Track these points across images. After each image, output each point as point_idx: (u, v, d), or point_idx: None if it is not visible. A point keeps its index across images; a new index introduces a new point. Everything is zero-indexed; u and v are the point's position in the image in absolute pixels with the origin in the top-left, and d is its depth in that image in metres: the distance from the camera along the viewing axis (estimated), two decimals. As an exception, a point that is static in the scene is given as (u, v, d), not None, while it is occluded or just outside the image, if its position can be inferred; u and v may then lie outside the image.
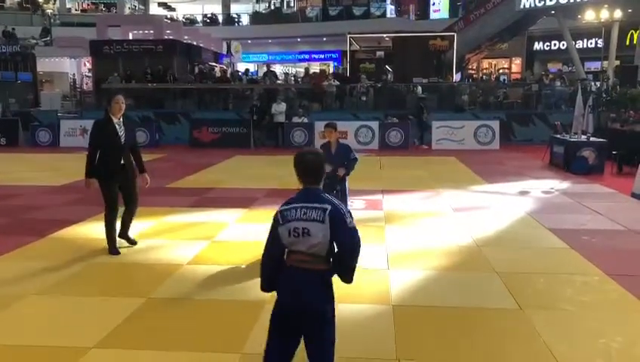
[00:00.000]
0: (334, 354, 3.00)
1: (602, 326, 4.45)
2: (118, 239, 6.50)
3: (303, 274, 2.91)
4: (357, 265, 3.00)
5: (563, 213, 8.50)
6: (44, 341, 4.23)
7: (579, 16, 21.58)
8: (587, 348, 4.12)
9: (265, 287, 3.13)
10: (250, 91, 21.42)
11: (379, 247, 6.62)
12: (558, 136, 14.07)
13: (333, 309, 3.00)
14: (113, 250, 6.38)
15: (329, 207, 2.90)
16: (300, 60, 35.14)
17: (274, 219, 2.99)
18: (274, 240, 2.99)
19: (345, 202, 7.61)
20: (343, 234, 2.89)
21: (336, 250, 2.97)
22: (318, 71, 25.60)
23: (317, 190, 3.01)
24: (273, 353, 2.99)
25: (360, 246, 2.95)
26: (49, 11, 37.02)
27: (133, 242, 6.65)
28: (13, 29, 31.24)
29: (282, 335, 2.96)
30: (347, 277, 3.02)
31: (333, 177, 7.38)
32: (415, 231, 7.49)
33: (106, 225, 6.39)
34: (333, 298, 3.00)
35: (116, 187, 6.31)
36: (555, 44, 28.88)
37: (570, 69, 24.40)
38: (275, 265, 3.01)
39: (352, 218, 2.96)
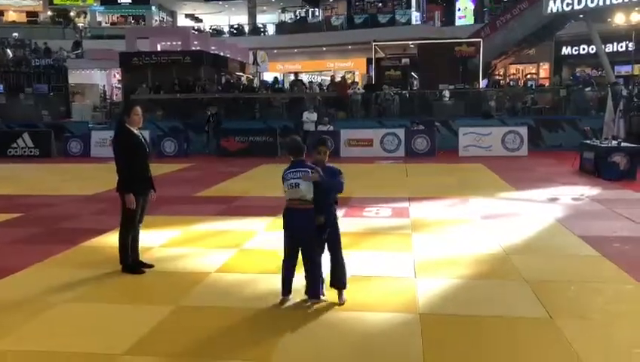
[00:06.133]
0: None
1: (636, 336, 4.35)
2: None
3: (298, 212, 4.90)
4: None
5: (594, 220, 8.34)
6: (75, 347, 4.30)
7: (608, 20, 21.20)
8: (621, 359, 4.04)
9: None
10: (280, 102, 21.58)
11: (406, 255, 6.59)
12: (589, 141, 13.82)
13: (315, 225, 4.94)
14: (139, 267, 6.11)
15: (309, 170, 4.84)
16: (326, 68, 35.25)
17: (282, 177, 4.97)
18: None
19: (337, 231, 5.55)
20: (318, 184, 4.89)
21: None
22: (342, 77, 25.62)
23: (301, 160, 4.94)
24: (289, 258, 5.02)
25: (334, 186, 5.00)
26: (80, 25, 38.01)
27: (151, 265, 6.24)
28: (45, 43, 32.11)
29: (291, 245, 4.99)
30: (321, 207, 4.91)
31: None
32: (442, 238, 7.43)
33: (126, 242, 6.03)
34: (314, 221, 4.90)
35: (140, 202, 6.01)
36: (583, 48, 28.37)
37: (599, 73, 23.96)
38: None
39: (320, 173, 4.86)
